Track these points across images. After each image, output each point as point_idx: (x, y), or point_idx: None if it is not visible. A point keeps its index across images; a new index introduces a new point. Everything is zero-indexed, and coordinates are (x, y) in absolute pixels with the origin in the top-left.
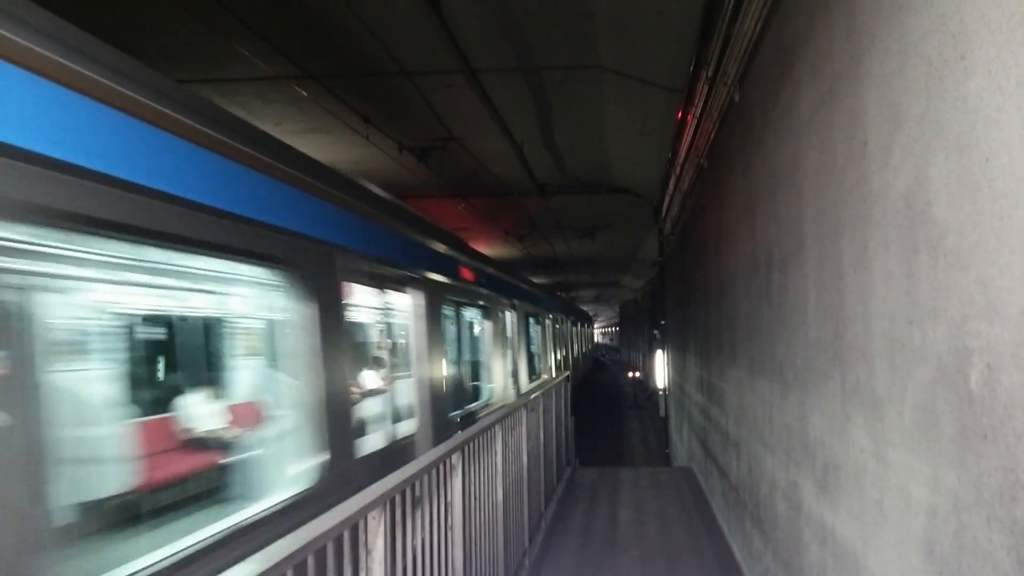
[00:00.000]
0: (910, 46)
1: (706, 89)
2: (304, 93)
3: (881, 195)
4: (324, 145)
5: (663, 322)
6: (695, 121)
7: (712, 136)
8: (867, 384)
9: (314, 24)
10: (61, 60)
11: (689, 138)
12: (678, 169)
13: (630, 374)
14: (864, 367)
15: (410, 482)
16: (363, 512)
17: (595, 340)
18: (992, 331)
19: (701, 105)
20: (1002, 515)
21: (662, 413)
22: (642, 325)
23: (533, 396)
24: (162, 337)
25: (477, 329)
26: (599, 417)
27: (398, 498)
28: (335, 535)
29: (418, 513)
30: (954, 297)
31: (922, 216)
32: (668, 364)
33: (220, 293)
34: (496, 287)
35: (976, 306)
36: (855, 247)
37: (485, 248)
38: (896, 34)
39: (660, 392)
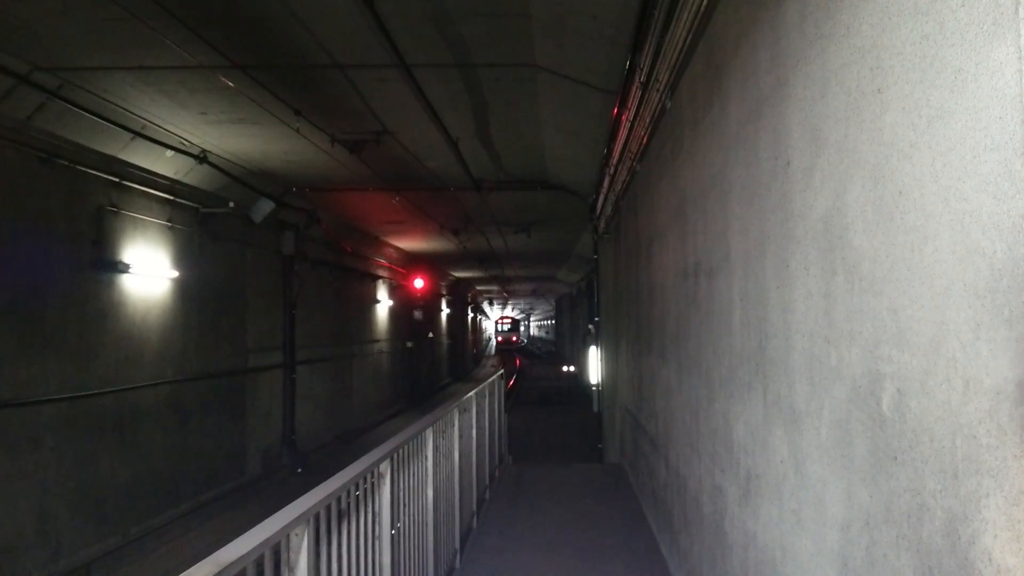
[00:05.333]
0: (831, 74)
1: (639, 94)
2: (230, 84)
3: (802, 216)
4: (251, 136)
5: (597, 319)
6: (628, 124)
7: (644, 141)
8: (787, 398)
9: (242, 14)
10: None
11: (622, 141)
12: (612, 170)
13: (565, 368)
14: (785, 381)
15: (335, 495)
16: (285, 531)
17: (530, 334)
18: (903, 358)
19: (634, 109)
20: (909, 535)
21: (595, 409)
22: (578, 320)
23: (466, 396)
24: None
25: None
26: (533, 412)
27: (323, 513)
28: (255, 557)
29: (344, 525)
30: (868, 322)
31: (840, 240)
32: (601, 360)
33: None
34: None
35: (888, 332)
36: (778, 264)
37: (420, 242)
38: (818, 61)
39: (593, 388)
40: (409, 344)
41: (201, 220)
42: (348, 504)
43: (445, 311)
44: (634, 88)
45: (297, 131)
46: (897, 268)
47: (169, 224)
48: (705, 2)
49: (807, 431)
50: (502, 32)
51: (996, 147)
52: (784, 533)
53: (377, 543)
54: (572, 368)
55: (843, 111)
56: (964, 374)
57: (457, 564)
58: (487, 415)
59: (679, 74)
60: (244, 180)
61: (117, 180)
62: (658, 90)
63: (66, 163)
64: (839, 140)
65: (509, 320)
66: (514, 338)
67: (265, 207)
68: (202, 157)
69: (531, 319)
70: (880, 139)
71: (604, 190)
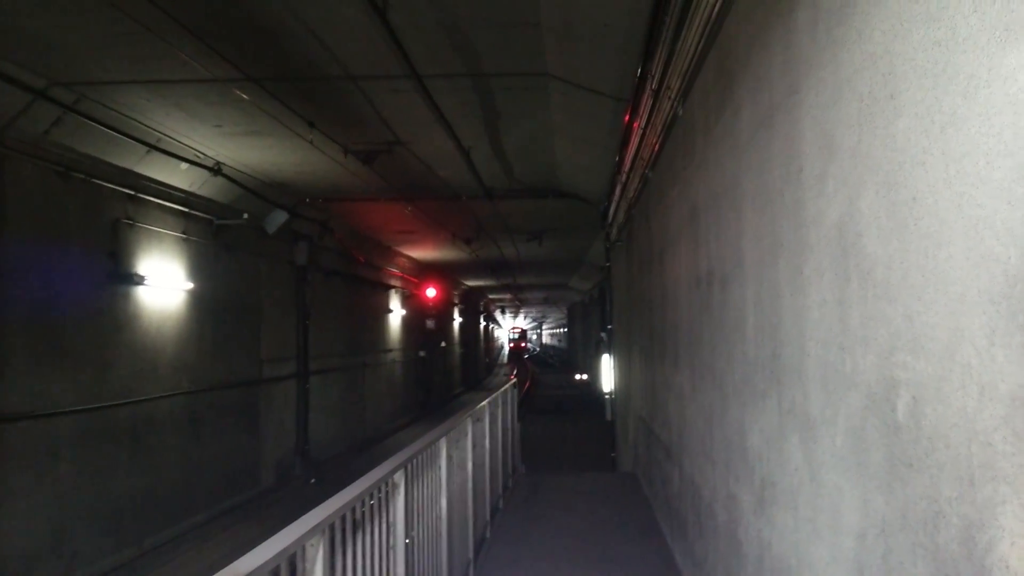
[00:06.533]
0: (843, 80)
1: (651, 102)
2: (245, 96)
3: (815, 223)
4: (265, 148)
5: (609, 327)
6: (640, 132)
7: (656, 148)
8: (802, 406)
9: (255, 27)
10: None
11: (634, 148)
12: (624, 177)
13: (578, 376)
14: (799, 389)
15: (350, 506)
16: (300, 542)
17: (542, 342)
18: (918, 364)
19: (646, 117)
20: (925, 542)
21: (608, 417)
22: (590, 328)
23: (479, 406)
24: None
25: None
26: (547, 421)
27: (337, 523)
28: (270, 568)
29: (359, 536)
30: (882, 328)
31: (853, 247)
32: (614, 369)
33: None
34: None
35: (903, 339)
36: (791, 271)
37: (432, 251)
38: (830, 67)
39: (606, 396)
40: (422, 353)
41: (216, 232)
42: (363, 514)
43: (457, 320)
44: (646, 95)
45: (311, 142)
46: (911, 274)
47: (184, 236)
48: (716, 9)
49: (822, 438)
50: (513, 41)
51: (1010, 153)
52: (799, 541)
53: (391, 553)
54: (585, 376)
55: (856, 117)
56: (979, 380)
57: (471, 574)
58: (500, 425)
59: (691, 81)
60: (258, 192)
61: (133, 193)
62: (670, 97)
63: (82, 177)
64: (852, 146)
65: (519, 330)
66: (523, 344)
67: (279, 218)
68: (217, 169)
69: (543, 327)
70: (893, 145)
71: (616, 198)
